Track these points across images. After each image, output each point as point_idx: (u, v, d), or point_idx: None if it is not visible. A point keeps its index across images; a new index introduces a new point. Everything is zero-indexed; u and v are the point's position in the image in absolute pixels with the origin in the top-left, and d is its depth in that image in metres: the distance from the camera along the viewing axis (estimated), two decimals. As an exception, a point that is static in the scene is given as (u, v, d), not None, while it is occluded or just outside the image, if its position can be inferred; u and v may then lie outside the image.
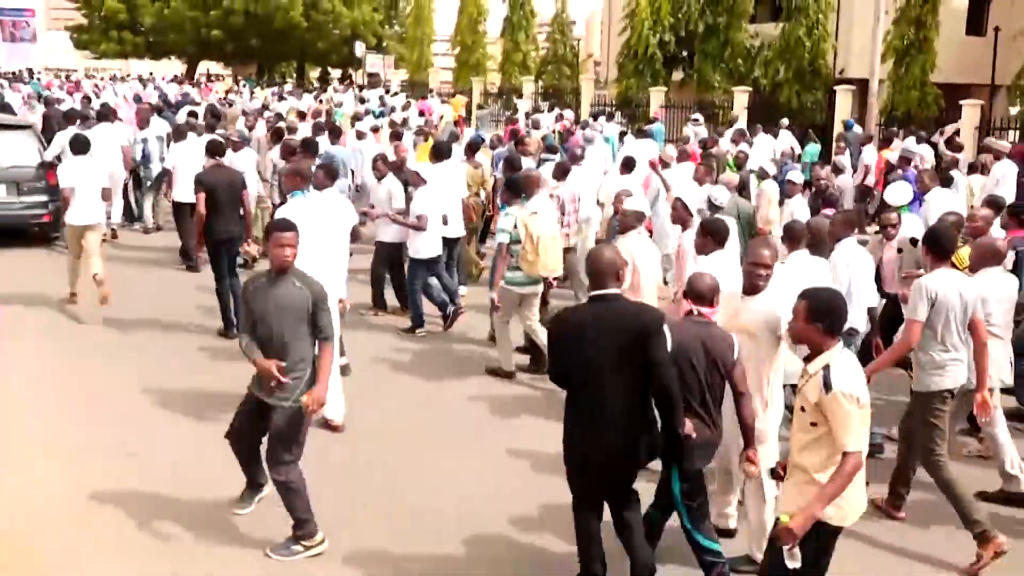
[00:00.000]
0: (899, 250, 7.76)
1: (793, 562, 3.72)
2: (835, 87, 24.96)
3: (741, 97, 26.17)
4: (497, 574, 5.04)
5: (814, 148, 17.58)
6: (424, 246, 9.26)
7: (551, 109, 24.99)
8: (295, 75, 57.63)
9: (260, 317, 4.98)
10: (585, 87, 33.73)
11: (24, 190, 12.53)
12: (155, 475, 5.98)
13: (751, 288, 4.81)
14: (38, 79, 37.29)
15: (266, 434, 5.10)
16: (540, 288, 8.14)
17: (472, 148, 12.08)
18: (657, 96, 28.27)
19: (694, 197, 7.92)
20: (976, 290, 5.50)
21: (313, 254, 5.95)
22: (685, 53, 29.88)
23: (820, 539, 3.77)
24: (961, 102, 22.19)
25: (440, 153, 10.26)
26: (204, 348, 8.76)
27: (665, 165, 11.30)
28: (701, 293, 4.69)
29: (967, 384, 5.59)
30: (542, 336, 7.84)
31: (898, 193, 8.87)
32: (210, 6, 51.07)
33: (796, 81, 25.89)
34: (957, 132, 18.56)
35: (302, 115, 19.31)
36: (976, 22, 29.53)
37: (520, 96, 34.18)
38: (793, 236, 6.73)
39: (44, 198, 12.53)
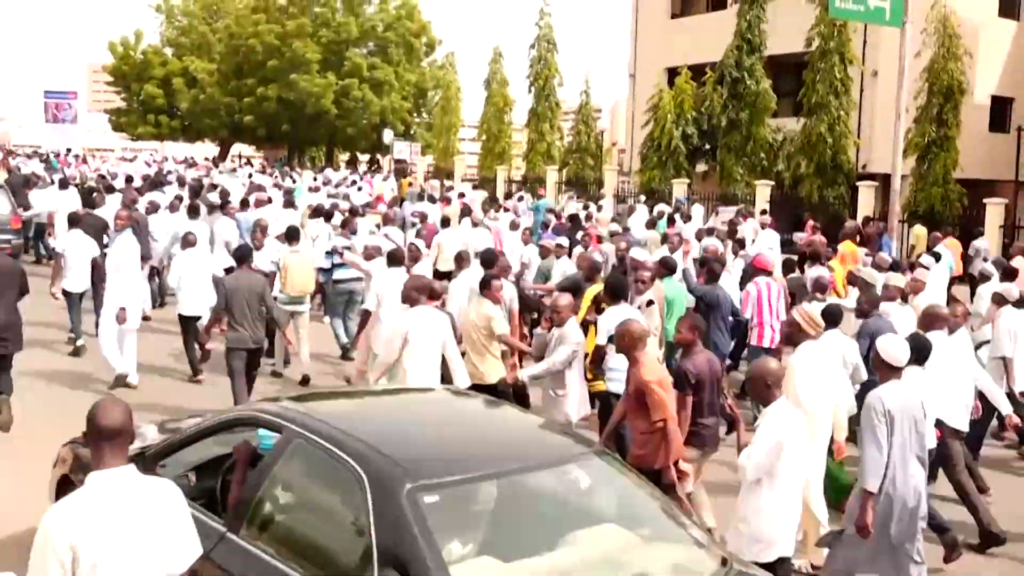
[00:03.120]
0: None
1: None
2: (857, 182, 25.04)
3: (763, 190, 26.30)
4: None
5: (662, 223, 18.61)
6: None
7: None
8: (324, 159, 58.83)
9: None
10: (608, 177, 34.10)
11: None
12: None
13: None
14: (56, 157, 39.70)
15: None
16: (301, 307, 11.14)
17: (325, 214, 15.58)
18: (680, 188, 28.48)
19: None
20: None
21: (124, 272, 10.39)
22: (708, 146, 30.17)
23: None
24: (985, 200, 22.18)
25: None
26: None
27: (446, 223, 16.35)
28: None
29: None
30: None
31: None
32: (244, 93, 52.57)
33: (817, 176, 25.98)
34: (739, 213, 20.04)
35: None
36: (999, 119, 29.68)
37: (544, 184, 34.57)
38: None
39: (8, 236, 17.10)
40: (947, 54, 24.07)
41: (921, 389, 5.94)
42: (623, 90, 41.30)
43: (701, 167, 30.75)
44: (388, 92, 52.14)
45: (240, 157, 63.58)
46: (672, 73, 32.51)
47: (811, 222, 19.09)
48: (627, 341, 6.32)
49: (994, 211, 21.87)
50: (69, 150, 47.75)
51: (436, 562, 3.63)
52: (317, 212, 15.79)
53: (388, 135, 49.06)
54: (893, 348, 5.54)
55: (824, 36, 25.80)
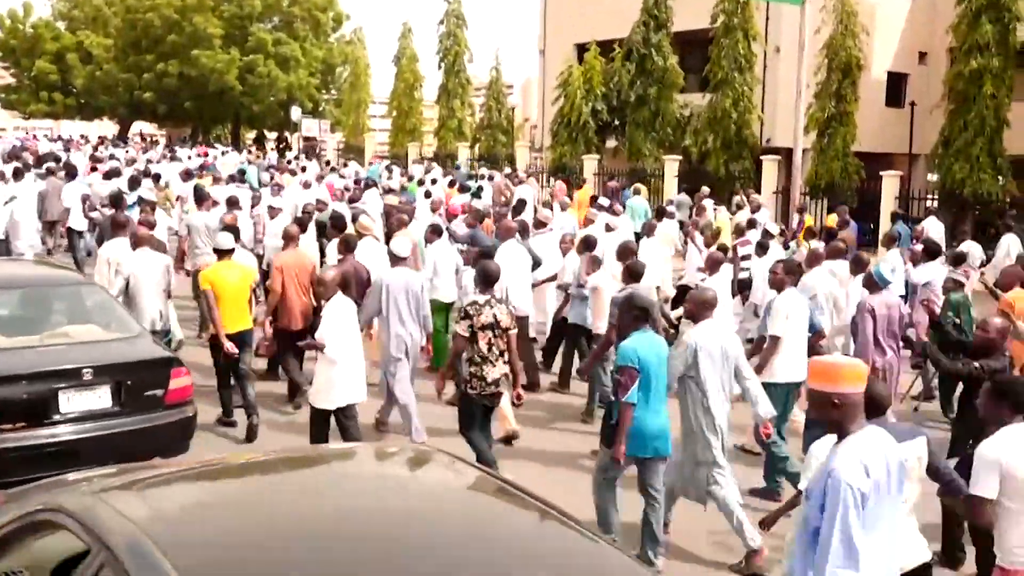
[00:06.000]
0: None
1: None
2: (761, 156, 25.64)
3: (671, 165, 26.71)
4: None
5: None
6: None
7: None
8: (230, 137, 57.35)
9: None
10: (520, 153, 34.14)
11: None
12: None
13: None
14: None
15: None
16: None
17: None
18: (590, 163, 28.71)
19: None
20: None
21: None
22: (617, 122, 30.41)
23: None
24: (881, 172, 22.99)
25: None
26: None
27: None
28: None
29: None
30: None
31: None
32: (143, 69, 50.72)
33: (724, 151, 26.48)
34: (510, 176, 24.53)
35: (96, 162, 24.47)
36: (894, 94, 30.73)
37: (456, 160, 34.44)
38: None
39: None
40: (845, 31, 24.71)
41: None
42: (534, 67, 41.35)
43: (611, 143, 31.01)
44: (295, 68, 51.02)
45: (141, 135, 61.43)
46: (581, 49, 32.65)
47: (559, 183, 22.26)
48: (284, 235, 10.18)
49: (890, 183, 22.70)
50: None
51: None
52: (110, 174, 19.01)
53: (296, 112, 48.17)
54: (395, 245, 9.13)
55: (728, 13, 26.23)
